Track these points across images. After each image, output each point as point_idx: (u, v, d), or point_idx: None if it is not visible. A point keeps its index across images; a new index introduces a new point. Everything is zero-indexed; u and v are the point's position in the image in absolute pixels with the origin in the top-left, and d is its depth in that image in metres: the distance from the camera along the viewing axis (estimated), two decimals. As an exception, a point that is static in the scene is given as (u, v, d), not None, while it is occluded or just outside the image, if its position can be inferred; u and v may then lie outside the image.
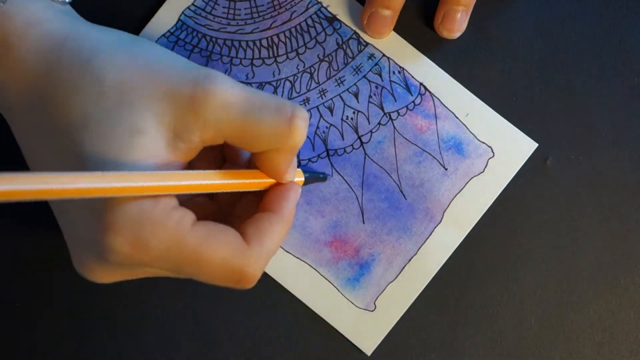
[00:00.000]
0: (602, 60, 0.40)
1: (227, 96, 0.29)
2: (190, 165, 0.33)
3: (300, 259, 0.39)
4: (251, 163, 0.33)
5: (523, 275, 0.39)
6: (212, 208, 0.34)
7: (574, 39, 0.40)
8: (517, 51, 0.40)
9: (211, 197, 0.34)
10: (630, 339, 0.39)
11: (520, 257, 0.39)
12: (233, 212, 0.33)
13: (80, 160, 0.28)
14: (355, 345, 0.39)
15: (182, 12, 0.39)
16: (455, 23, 0.38)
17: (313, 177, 0.38)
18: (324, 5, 0.39)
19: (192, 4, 0.39)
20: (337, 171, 0.39)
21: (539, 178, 0.39)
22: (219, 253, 0.29)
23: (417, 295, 0.39)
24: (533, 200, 0.39)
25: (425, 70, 0.39)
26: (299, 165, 0.39)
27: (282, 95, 0.39)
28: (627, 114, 0.39)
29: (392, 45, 0.39)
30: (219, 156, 0.35)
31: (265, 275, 0.39)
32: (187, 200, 0.33)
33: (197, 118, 0.29)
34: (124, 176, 0.26)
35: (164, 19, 0.39)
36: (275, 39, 0.39)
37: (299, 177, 0.36)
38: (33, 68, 0.30)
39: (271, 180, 0.32)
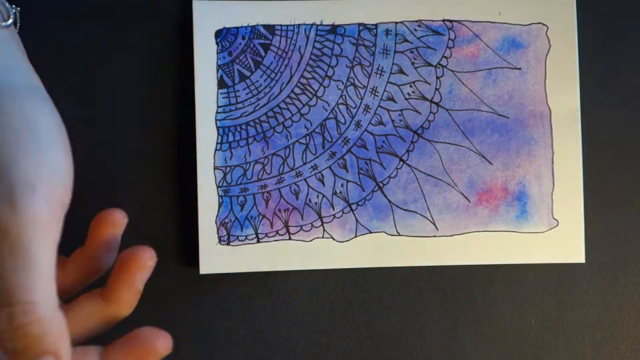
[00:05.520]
0: (602, 60, 0.39)
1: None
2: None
3: (466, 233, 0.38)
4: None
5: (523, 276, 0.39)
6: None
7: None
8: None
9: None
10: (630, 339, 0.39)
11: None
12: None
13: None
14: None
15: (216, 119, 0.39)
16: None
17: None
18: (318, 23, 0.39)
19: (218, 107, 0.39)
20: (436, 141, 0.39)
21: (538, 183, 0.39)
22: None
23: (582, 183, 0.38)
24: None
25: (436, 7, 0.39)
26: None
27: (345, 119, 0.39)
28: (627, 114, 0.39)
29: (393, 9, 0.39)
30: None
31: (264, 274, 0.39)
32: None
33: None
34: None
35: (206, 136, 0.39)
36: (304, 81, 0.39)
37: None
38: None
39: None
